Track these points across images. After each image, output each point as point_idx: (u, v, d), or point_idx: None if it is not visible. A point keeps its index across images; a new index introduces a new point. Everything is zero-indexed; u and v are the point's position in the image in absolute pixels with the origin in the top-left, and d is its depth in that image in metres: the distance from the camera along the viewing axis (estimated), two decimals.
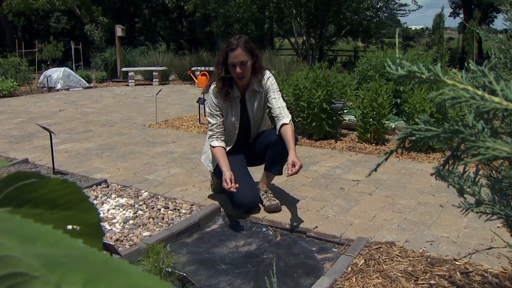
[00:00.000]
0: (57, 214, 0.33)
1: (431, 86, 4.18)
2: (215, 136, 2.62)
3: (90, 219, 0.35)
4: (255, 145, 2.78)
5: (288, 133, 2.48)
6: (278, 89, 2.69)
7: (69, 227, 0.34)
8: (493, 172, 1.07)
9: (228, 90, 2.59)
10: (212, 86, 2.65)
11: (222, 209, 2.73)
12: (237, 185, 2.39)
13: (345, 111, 4.69)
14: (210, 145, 2.64)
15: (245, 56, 2.51)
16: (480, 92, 0.50)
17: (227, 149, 2.68)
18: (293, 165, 2.31)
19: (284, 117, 2.55)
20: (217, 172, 2.69)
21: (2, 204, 0.31)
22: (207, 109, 2.74)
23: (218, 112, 2.64)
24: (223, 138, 2.65)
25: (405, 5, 14.63)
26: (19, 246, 0.22)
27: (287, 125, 2.52)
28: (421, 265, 1.96)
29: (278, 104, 2.61)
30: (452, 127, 0.56)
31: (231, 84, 2.61)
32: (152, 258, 1.64)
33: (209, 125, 2.67)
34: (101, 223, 0.36)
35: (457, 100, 0.51)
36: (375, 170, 0.68)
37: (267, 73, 2.68)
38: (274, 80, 2.68)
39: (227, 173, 2.42)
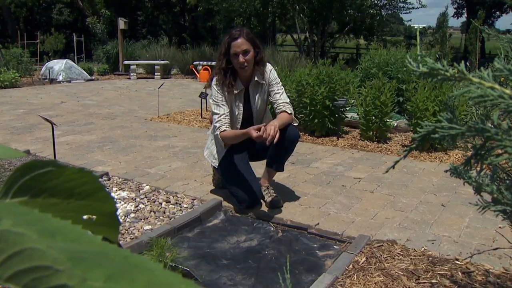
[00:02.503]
0: (74, 203, 0.32)
1: (434, 85, 4.17)
2: (223, 127, 2.54)
3: (106, 209, 0.34)
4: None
5: (283, 114, 2.52)
6: (281, 84, 2.68)
7: (85, 217, 0.34)
8: (501, 173, 1.06)
9: (231, 82, 2.57)
10: (215, 79, 2.63)
11: (223, 204, 2.73)
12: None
13: (347, 108, 4.67)
14: (218, 134, 2.54)
15: (247, 45, 2.51)
16: (508, 91, 0.49)
17: (229, 145, 2.66)
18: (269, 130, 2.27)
19: (287, 110, 2.55)
20: (220, 168, 2.68)
21: (19, 193, 0.30)
22: (211, 101, 2.67)
23: (223, 102, 2.58)
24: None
25: (408, 2, 14.56)
26: (43, 239, 0.22)
27: (287, 113, 2.53)
28: (423, 264, 1.96)
29: (282, 100, 2.60)
30: (477, 125, 0.55)
31: (234, 76, 2.58)
32: (155, 252, 1.63)
33: (216, 116, 2.57)
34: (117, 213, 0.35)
35: (484, 99, 0.51)
36: (393, 167, 0.68)
37: (269, 66, 2.67)
38: (276, 74, 2.68)
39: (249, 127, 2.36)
